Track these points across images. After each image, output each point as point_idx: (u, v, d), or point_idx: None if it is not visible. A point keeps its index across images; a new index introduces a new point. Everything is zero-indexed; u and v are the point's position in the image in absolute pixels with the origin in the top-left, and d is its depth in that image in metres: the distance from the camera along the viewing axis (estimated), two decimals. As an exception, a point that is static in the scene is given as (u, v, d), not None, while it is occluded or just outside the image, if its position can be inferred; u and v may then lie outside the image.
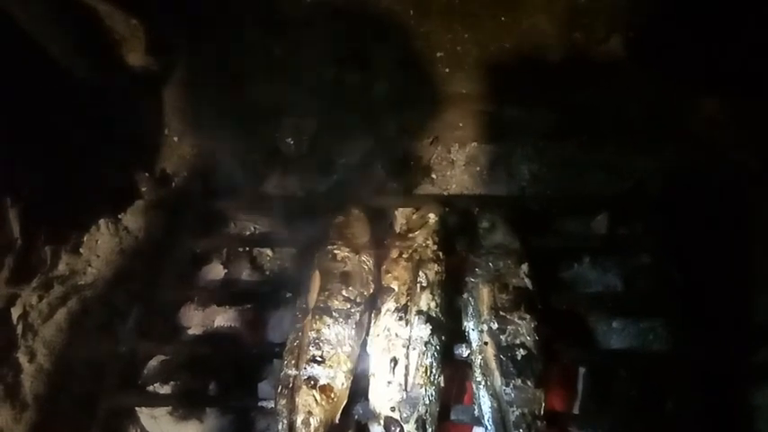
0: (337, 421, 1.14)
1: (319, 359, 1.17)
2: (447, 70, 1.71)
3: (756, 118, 1.55)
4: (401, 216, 1.45)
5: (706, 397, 1.19)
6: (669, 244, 1.40)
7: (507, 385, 1.10)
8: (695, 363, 1.23)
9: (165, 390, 1.31)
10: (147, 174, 1.69)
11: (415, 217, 1.41)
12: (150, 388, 1.32)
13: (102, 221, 1.59)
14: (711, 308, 1.33)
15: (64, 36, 1.61)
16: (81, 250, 1.56)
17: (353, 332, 1.22)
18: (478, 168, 1.72)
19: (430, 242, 1.33)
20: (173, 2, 1.63)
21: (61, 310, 1.44)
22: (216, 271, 1.55)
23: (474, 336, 1.19)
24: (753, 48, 1.51)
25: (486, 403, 1.11)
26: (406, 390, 1.12)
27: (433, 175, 1.73)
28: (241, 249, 1.58)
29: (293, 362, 1.18)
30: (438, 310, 1.22)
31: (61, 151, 1.57)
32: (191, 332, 1.45)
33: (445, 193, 1.66)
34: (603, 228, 1.48)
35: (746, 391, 1.26)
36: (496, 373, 1.12)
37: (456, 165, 1.74)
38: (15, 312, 1.41)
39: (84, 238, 1.57)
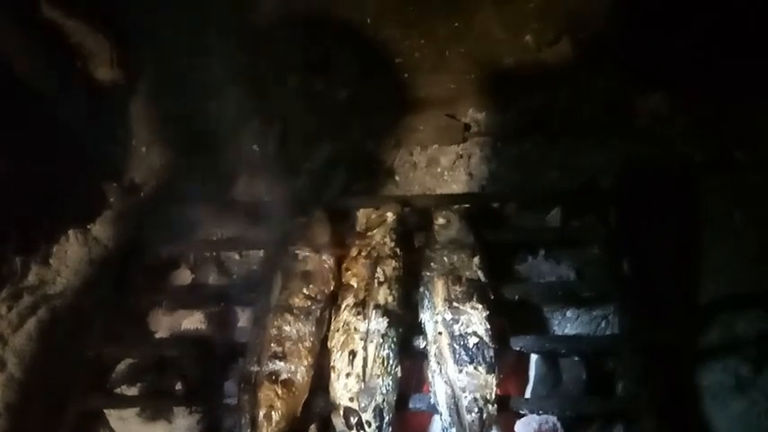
0: (299, 414, 1.18)
1: (280, 355, 1.21)
2: (406, 75, 1.77)
3: (700, 112, 1.62)
4: (362, 216, 1.49)
5: (655, 379, 1.24)
6: (620, 235, 1.45)
7: (460, 372, 1.14)
8: (645, 346, 1.27)
9: (132, 391, 1.34)
10: (115, 184, 1.73)
11: (374, 216, 1.46)
12: (118, 390, 1.35)
13: (71, 232, 1.61)
14: (661, 294, 1.38)
15: (32, 52, 1.64)
16: (50, 261, 1.58)
17: (314, 328, 1.26)
18: (439, 169, 1.77)
19: (388, 239, 1.38)
20: (138, 14, 1.67)
21: (31, 319, 1.45)
22: (183, 276, 1.58)
23: (429, 327, 1.24)
24: (696, 43, 1.59)
25: (440, 390, 1.15)
26: (364, 380, 1.15)
27: (396, 178, 1.78)
28: (208, 254, 1.62)
29: (255, 358, 1.21)
30: (395, 303, 1.26)
31: (30, 163, 1.60)
32: (158, 335, 1.48)
33: (408, 194, 1.71)
34: (557, 221, 1.53)
35: (694, 372, 1.30)
36: (450, 361, 1.16)
37: (418, 167, 1.79)
38: (-15, 323, 1.44)
39: (54, 249, 1.59)
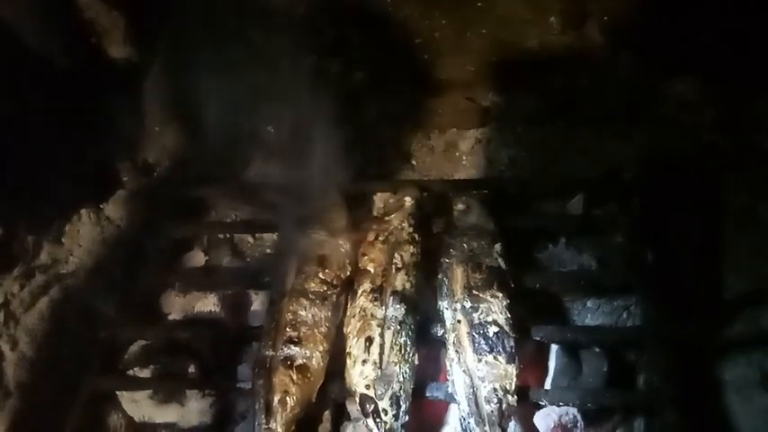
0: (314, 400, 1.16)
1: (296, 340, 1.19)
2: (425, 57, 1.72)
3: (727, 100, 1.57)
4: (379, 200, 1.47)
5: (678, 372, 1.21)
6: (643, 224, 1.41)
7: (479, 361, 1.12)
8: (667, 338, 1.24)
9: (145, 374, 1.33)
10: (128, 163, 1.70)
11: (391, 201, 1.43)
12: (131, 372, 1.34)
13: (83, 211, 1.60)
14: (683, 286, 1.35)
15: (45, 28, 1.61)
16: (63, 240, 1.57)
17: (330, 313, 1.24)
18: (458, 154, 1.74)
19: (406, 225, 1.35)
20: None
21: (43, 298, 1.45)
22: (197, 258, 1.57)
23: (448, 314, 1.21)
24: (724, 30, 1.53)
25: (459, 379, 1.13)
26: (380, 368, 1.13)
27: (413, 162, 1.75)
28: (222, 236, 1.60)
29: (270, 343, 1.20)
30: (413, 290, 1.24)
31: (43, 141, 1.58)
32: (171, 317, 1.46)
33: (425, 179, 1.67)
34: (579, 209, 1.49)
35: (717, 365, 1.28)
36: (469, 350, 1.14)
37: (435, 151, 1.76)
38: (-3, 301, 1.43)
39: (66, 228, 1.58)
